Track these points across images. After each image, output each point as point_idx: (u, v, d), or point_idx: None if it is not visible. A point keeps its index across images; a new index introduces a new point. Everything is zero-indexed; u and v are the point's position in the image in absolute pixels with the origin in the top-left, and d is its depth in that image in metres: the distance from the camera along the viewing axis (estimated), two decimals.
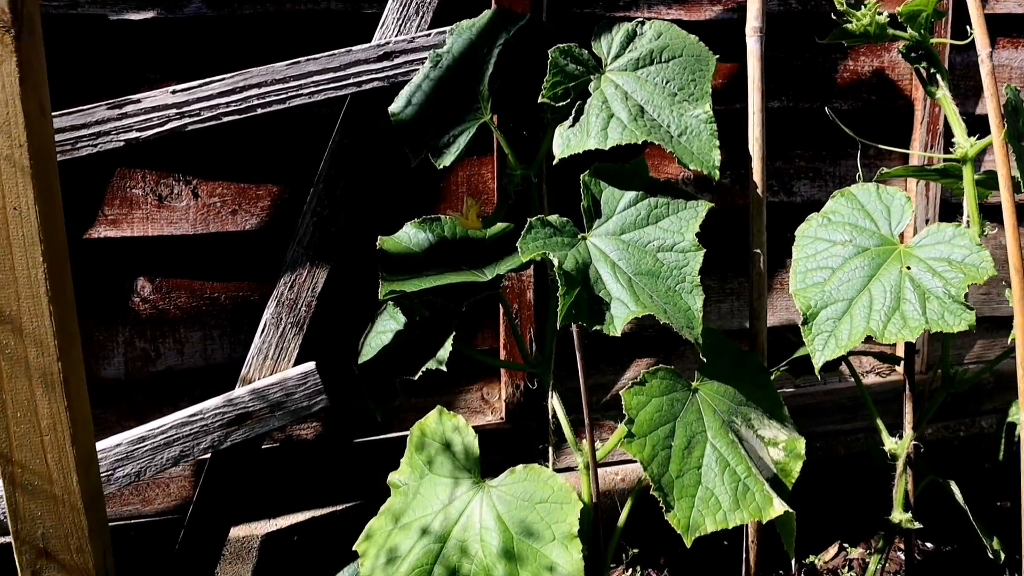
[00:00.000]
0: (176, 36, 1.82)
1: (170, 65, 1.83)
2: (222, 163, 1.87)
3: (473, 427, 1.62)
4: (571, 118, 1.57)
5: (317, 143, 1.91)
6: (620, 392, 1.71)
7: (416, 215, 1.69)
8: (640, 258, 1.50)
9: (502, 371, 2.14)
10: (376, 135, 1.89)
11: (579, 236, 1.53)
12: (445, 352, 1.54)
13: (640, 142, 1.48)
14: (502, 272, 1.67)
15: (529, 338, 2.11)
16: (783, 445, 1.59)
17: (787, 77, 2.20)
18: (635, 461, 1.95)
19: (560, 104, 1.57)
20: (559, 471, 1.97)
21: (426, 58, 1.75)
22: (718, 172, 1.52)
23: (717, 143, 1.53)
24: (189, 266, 1.91)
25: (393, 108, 1.72)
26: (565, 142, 1.55)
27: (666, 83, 1.60)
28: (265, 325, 1.89)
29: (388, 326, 1.74)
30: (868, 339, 1.52)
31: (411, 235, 1.69)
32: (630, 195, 1.55)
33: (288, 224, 1.92)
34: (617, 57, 1.64)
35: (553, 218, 1.52)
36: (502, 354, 2.12)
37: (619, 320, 1.40)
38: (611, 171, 1.57)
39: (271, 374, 1.90)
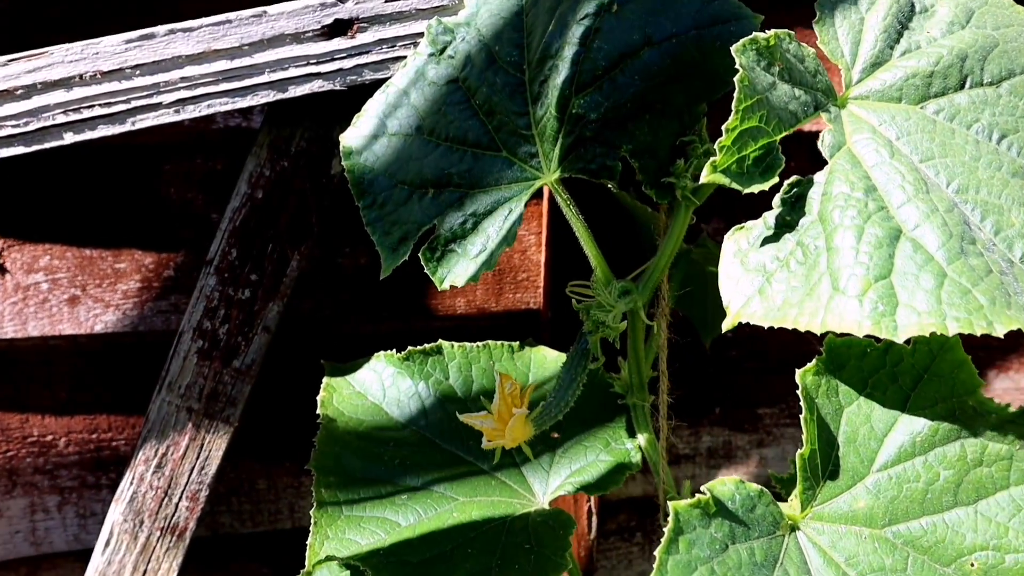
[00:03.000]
0: None
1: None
2: (50, 212, 1.15)
3: None
4: (773, 216, 0.65)
5: (224, 175, 1.10)
6: None
7: (396, 324, 1.10)
8: None
9: None
10: (323, 181, 0.99)
11: (783, 522, 0.62)
12: None
13: (1001, 333, 0.54)
14: (570, 492, 0.85)
15: None
16: None
17: None
18: None
19: (753, 185, 0.63)
20: None
21: (421, 37, 0.82)
22: None
23: None
24: None
25: (349, 140, 0.83)
26: (757, 287, 0.61)
27: (999, 140, 0.66)
28: (113, 531, 1.07)
29: None
30: None
31: (385, 380, 1.00)
32: (914, 427, 0.63)
33: (176, 320, 1.17)
34: (877, 66, 0.70)
35: (728, 489, 0.60)
36: None
37: None
38: (867, 360, 0.64)
39: None
